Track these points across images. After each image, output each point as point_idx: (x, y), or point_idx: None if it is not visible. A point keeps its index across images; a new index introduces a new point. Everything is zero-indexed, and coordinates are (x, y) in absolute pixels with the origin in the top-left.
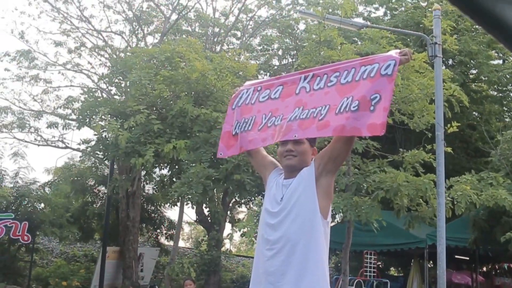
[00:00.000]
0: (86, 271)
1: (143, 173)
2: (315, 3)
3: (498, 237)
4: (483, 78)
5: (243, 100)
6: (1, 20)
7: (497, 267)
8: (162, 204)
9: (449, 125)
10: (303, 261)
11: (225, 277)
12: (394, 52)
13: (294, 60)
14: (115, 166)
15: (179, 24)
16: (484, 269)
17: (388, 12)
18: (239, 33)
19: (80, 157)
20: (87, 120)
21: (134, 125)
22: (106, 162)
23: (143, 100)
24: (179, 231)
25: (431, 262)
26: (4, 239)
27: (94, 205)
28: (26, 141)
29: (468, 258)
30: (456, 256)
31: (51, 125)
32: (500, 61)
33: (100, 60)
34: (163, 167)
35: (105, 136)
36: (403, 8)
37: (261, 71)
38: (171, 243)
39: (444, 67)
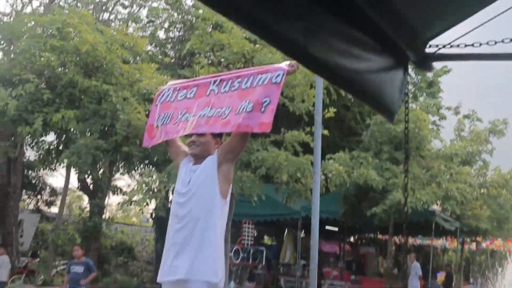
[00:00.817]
0: None
1: (28, 140)
2: None
3: (365, 210)
4: None
5: (164, 98)
6: None
7: (362, 238)
8: (43, 170)
9: (326, 110)
10: (203, 233)
11: (105, 243)
12: (284, 64)
13: (180, 33)
14: None
15: None
16: (352, 239)
17: None
18: (127, 2)
19: None
20: None
21: (23, 94)
22: None
23: (31, 68)
24: (65, 198)
25: (303, 232)
26: None
27: None
28: None
29: (337, 229)
30: (327, 227)
31: None
32: None
33: None
34: (49, 133)
35: None
36: None
37: (149, 45)
38: (52, 209)
39: None
